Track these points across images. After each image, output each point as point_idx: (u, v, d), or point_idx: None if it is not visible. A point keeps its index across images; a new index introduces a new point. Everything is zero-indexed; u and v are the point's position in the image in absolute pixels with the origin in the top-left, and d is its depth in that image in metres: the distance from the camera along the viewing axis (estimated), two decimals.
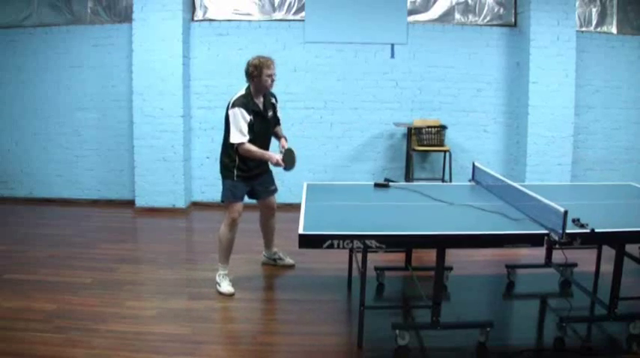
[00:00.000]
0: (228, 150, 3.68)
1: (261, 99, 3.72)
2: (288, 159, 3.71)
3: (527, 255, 4.25)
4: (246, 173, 3.73)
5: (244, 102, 3.60)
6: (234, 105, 3.59)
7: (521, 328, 3.30)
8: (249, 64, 3.62)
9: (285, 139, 3.86)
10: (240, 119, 3.56)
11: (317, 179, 5.94)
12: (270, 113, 3.78)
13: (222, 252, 3.75)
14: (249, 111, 3.59)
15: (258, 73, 3.58)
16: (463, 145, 6.24)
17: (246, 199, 3.91)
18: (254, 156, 3.65)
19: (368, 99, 6.21)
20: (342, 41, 6.11)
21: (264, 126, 3.74)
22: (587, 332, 3.15)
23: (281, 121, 3.94)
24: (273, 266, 4.23)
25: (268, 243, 4.22)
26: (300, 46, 6.12)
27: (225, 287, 3.66)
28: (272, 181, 3.99)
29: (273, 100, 3.84)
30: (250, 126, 3.60)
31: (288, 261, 4.22)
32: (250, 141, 3.61)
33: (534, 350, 3.00)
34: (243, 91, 3.66)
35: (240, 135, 3.57)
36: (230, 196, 3.72)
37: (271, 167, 3.89)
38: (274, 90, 3.82)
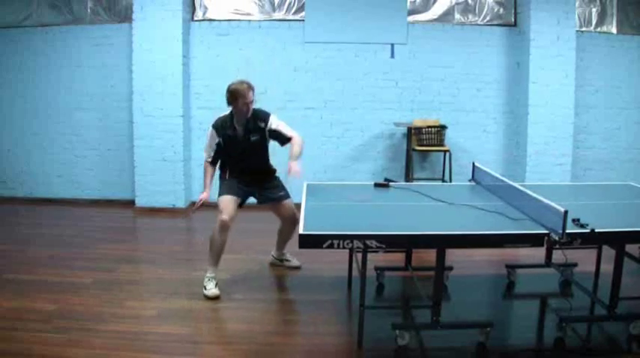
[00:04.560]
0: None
1: (244, 123, 3.73)
2: None
3: (527, 255, 4.25)
4: (233, 175, 3.83)
5: (220, 124, 3.76)
6: (212, 124, 3.78)
7: (521, 328, 3.30)
8: (227, 90, 3.67)
9: (294, 162, 3.64)
10: (208, 139, 3.80)
11: (317, 179, 5.92)
12: (254, 137, 3.74)
13: (212, 255, 3.70)
14: (219, 134, 3.74)
15: (232, 99, 3.64)
16: (463, 145, 6.24)
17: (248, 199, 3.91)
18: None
19: (368, 99, 6.21)
20: (342, 41, 6.12)
21: (240, 149, 3.75)
22: (587, 332, 3.15)
23: (287, 135, 3.78)
24: (279, 266, 4.22)
25: (279, 246, 4.20)
26: (300, 46, 6.12)
27: (211, 290, 3.60)
28: (279, 188, 3.92)
29: (262, 124, 3.75)
30: (221, 147, 3.77)
31: (295, 262, 4.21)
32: (226, 161, 3.85)
33: (534, 350, 3.00)
34: (226, 112, 3.77)
35: (205, 153, 3.85)
36: (222, 192, 3.77)
37: (286, 180, 3.91)
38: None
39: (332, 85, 6.18)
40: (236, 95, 3.61)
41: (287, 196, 3.93)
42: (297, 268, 4.18)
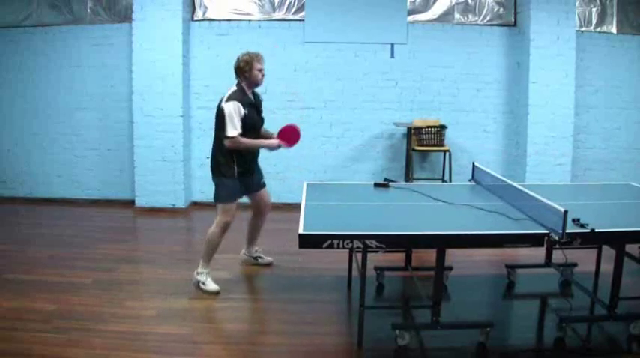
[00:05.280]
0: (225, 147, 3.64)
1: (252, 96, 3.75)
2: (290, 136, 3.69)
3: (527, 255, 4.25)
4: (245, 168, 3.73)
5: (239, 96, 3.61)
6: (229, 99, 3.58)
7: (521, 328, 3.30)
8: (239, 60, 3.64)
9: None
10: (235, 113, 3.54)
11: (317, 179, 5.94)
12: (261, 109, 3.82)
13: (208, 253, 3.73)
14: (244, 105, 3.60)
15: (249, 67, 3.61)
16: (463, 145, 6.23)
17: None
18: (248, 147, 3.61)
19: (368, 99, 6.21)
20: (342, 41, 6.11)
21: (255, 121, 3.73)
22: (587, 332, 3.15)
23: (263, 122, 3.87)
24: (254, 265, 4.22)
25: (252, 241, 4.21)
26: (300, 46, 6.12)
27: (211, 285, 3.66)
28: (262, 174, 3.99)
29: (261, 99, 3.86)
30: (245, 119, 3.59)
31: (268, 259, 4.24)
32: (243, 134, 3.60)
33: (534, 350, 3.00)
34: (234, 87, 3.67)
35: (232, 129, 3.54)
36: (229, 197, 3.69)
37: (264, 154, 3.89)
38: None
39: (332, 85, 6.18)
40: (252, 61, 3.61)
41: (265, 183, 4.02)
42: (270, 265, 4.21)
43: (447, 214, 3.19)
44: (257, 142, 3.65)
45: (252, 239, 4.19)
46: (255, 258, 4.24)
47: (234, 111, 3.54)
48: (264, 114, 3.87)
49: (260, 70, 3.65)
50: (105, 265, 4.19)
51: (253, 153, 3.79)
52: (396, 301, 3.78)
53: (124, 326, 3.16)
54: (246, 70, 3.62)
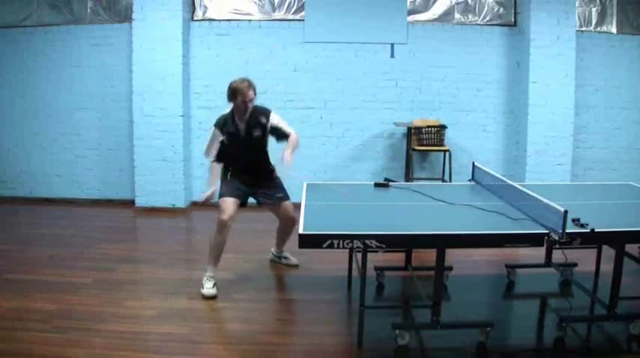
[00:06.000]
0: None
1: (245, 119, 3.74)
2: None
3: (527, 255, 4.25)
4: (235, 174, 3.82)
5: (222, 122, 3.77)
6: (214, 123, 3.80)
7: (521, 328, 3.30)
8: (229, 86, 3.70)
9: (288, 151, 3.64)
10: (211, 139, 3.79)
11: (317, 179, 5.94)
12: (256, 133, 3.76)
13: (212, 255, 3.73)
14: (222, 132, 3.74)
15: (232, 97, 3.68)
16: (463, 145, 6.23)
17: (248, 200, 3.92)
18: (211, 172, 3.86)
19: (368, 99, 6.21)
20: (342, 41, 6.11)
21: (242, 146, 3.76)
22: (587, 332, 3.15)
23: (286, 132, 3.79)
24: (277, 264, 4.25)
25: (279, 244, 4.25)
26: (300, 46, 6.12)
27: (208, 289, 3.60)
28: (278, 189, 3.95)
29: (264, 119, 3.76)
30: (225, 145, 3.76)
31: (293, 260, 4.23)
32: (229, 158, 3.81)
33: (534, 350, 3.00)
34: (227, 110, 3.80)
35: (209, 154, 3.83)
36: (223, 193, 3.78)
37: (279, 173, 3.96)
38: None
39: (332, 85, 6.18)
40: (236, 93, 3.65)
41: (286, 198, 3.97)
42: (295, 266, 4.20)
43: (447, 214, 3.19)
44: (211, 179, 3.83)
45: (279, 242, 4.24)
46: (280, 258, 4.27)
47: (211, 137, 3.80)
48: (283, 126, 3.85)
49: (244, 102, 3.66)
50: (105, 265, 4.19)
51: (242, 164, 3.83)
52: (396, 301, 3.78)
53: (124, 326, 3.16)
54: (231, 99, 3.70)
